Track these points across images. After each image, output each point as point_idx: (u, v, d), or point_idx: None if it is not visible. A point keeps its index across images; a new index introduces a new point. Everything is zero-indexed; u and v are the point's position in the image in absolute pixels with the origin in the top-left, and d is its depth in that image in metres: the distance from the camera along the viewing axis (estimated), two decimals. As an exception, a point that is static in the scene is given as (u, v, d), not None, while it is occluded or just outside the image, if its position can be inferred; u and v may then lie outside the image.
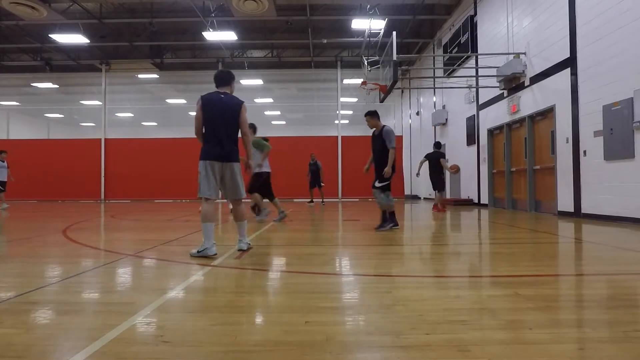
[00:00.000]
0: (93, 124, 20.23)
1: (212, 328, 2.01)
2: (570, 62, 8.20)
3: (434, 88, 15.72)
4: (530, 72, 9.73)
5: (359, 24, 14.44)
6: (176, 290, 2.75)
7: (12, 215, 9.85)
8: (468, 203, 13.25)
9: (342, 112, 19.81)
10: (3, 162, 12.36)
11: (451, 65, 14.09)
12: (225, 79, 4.24)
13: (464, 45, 13.23)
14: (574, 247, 4.83)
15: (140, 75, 19.81)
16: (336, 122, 19.45)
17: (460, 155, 14.28)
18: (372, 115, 6.26)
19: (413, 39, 17.41)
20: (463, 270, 3.49)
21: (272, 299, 2.60)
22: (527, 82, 9.90)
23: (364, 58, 13.88)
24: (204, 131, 4.07)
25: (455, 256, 4.23)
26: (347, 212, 10.59)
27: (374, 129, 6.28)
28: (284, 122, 22.96)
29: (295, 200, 16.62)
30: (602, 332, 1.95)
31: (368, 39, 15.07)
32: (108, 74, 19.43)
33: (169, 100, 21.28)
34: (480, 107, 12.58)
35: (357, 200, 17.73)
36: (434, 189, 10.60)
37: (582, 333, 1.96)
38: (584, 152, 7.87)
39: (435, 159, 10.41)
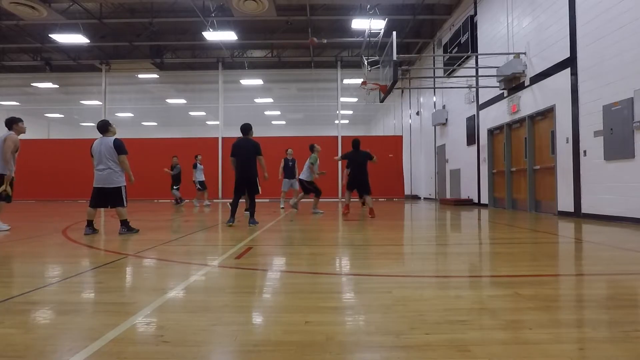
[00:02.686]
0: (93, 124, 20.19)
1: (212, 328, 2.01)
2: (570, 62, 8.20)
3: (434, 88, 15.71)
4: (530, 72, 9.73)
5: (359, 24, 14.44)
6: (176, 290, 2.75)
7: (12, 215, 9.85)
8: (468, 203, 13.25)
9: (342, 112, 19.80)
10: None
11: (451, 65, 14.08)
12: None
13: (464, 45, 13.23)
14: (574, 247, 4.83)
15: (140, 75, 19.80)
16: (336, 122, 19.44)
17: (460, 155, 14.28)
18: None
19: (413, 39, 17.40)
20: (463, 270, 3.49)
21: (272, 299, 2.60)
22: (527, 82, 9.90)
23: (364, 58, 13.87)
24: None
25: (455, 256, 4.24)
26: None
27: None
28: (284, 122, 22.96)
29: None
30: (602, 332, 1.95)
31: (368, 39, 15.06)
32: (108, 74, 19.43)
33: (169, 100, 21.29)
34: (480, 107, 12.57)
35: (357, 200, 17.72)
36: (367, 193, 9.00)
37: (582, 333, 1.96)
38: (584, 152, 7.87)
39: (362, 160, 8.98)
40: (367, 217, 8.51)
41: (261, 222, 7.82)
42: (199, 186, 14.59)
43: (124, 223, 5.90)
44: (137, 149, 18.71)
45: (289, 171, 11.33)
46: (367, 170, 8.94)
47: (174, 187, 14.66)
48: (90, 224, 5.84)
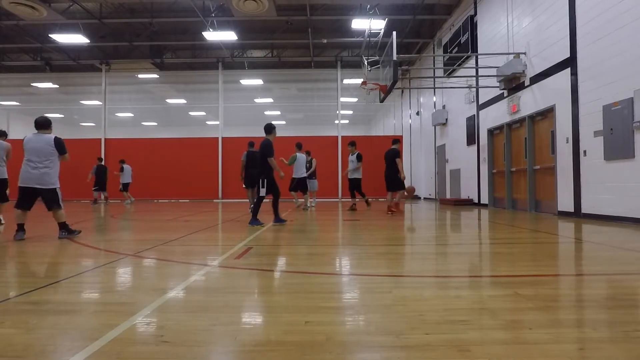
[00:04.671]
0: (93, 124, 20.23)
1: (212, 328, 2.01)
2: (570, 62, 8.20)
3: (434, 88, 15.72)
4: (530, 72, 9.73)
5: (359, 24, 14.44)
6: (176, 290, 2.75)
7: (12, 215, 9.84)
8: (468, 203, 13.25)
9: (342, 112, 19.79)
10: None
11: (451, 65, 14.08)
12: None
13: (464, 45, 13.23)
14: (574, 247, 4.83)
15: (140, 75, 19.80)
16: (336, 122, 19.44)
17: (460, 155, 14.28)
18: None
19: (413, 39, 17.40)
20: (463, 270, 3.49)
21: (272, 299, 2.60)
22: (527, 82, 9.90)
23: (364, 58, 13.87)
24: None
25: (455, 256, 4.23)
26: (347, 212, 10.59)
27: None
28: (284, 122, 22.95)
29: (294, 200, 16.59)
30: (602, 332, 1.95)
31: (368, 39, 15.07)
32: (108, 74, 19.43)
33: (169, 100, 21.29)
34: (480, 107, 12.57)
35: (358, 200, 17.72)
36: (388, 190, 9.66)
37: (582, 333, 1.96)
38: (584, 152, 7.87)
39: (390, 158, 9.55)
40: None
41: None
42: (121, 187, 15.92)
43: (63, 226, 5.56)
44: (137, 149, 18.78)
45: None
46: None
47: (94, 188, 15.70)
48: (21, 227, 5.43)
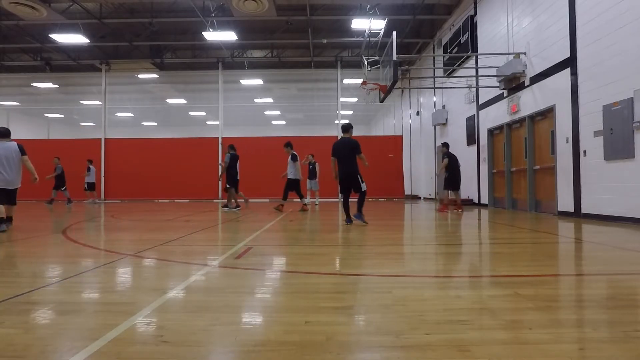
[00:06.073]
0: (93, 124, 20.22)
1: (212, 328, 2.01)
2: (570, 62, 8.20)
3: (434, 88, 15.71)
4: (530, 72, 9.73)
5: (359, 24, 14.44)
6: (176, 290, 2.75)
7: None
8: (468, 203, 13.24)
9: (342, 112, 19.79)
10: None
11: (451, 65, 14.08)
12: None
13: (464, 45, 13.23)
14: (574, 247, 4.83)
15: (140, 75, 19.79)
16: (336, 122, 19.43)
17: (461, 155, 14.23)
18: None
19: (413, 39, 17.40)
20: (463, 270, 3.49)
21: (272, 299, 2.60)
22: (527, 82, 9.90)
23: (364, 58, 13.88)
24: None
25: (456, 256, 4.23)
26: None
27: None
28: (284, 122, 22.95)
29: (295, 200, 16.60)
30: (602, 332, 1.95)
31: (368, 39, 15.07)
32: (108, 74, 19.42)
33: (169, 100, 21.29)
34: (480, 107, 12.57)
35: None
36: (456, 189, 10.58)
37: (582, 333, 1.96)
38: (584, 152, 7.87)
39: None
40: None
41: (261, 221, 7.82)
42: (86, 187, 16.12)
43: (10, 220, 6.29)
44: (137, 149, 18.79)
45: (310, 172, 12.96)
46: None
47: (62, 188, 15.35)
48: (2, 220, 6.07)
